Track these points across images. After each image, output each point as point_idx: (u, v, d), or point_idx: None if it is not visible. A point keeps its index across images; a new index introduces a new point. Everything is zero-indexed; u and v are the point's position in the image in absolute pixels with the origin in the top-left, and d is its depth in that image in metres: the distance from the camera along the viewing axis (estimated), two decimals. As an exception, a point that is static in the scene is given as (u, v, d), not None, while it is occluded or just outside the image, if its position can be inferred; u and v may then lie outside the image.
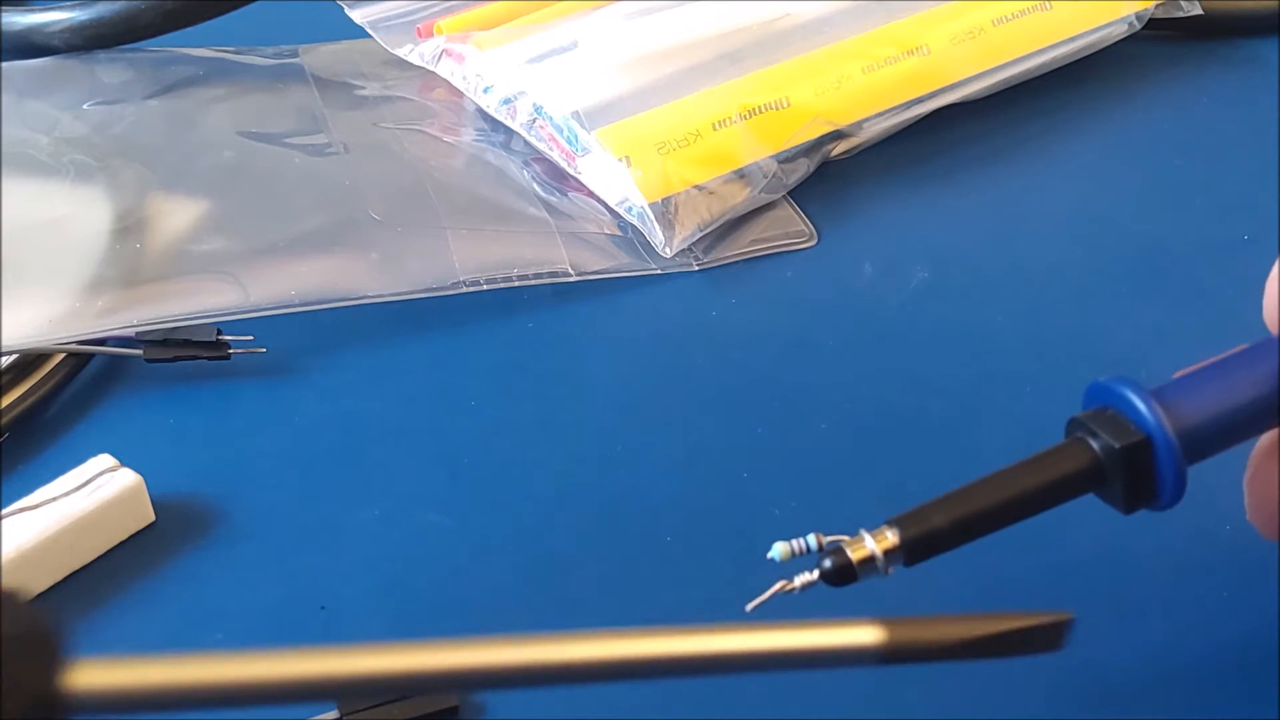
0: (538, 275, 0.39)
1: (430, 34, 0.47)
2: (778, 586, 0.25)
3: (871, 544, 0.25)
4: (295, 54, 0.49)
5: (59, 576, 0.31)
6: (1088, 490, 0.26)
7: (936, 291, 0.40)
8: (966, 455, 0.34)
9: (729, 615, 0.30)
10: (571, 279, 0.40)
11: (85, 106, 0.45)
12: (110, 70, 0.47)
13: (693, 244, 0.41)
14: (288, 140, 0.44)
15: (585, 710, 0.28)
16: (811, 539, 0.25)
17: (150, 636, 0.30)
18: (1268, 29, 0.53)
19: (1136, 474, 0.26)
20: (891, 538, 0.25)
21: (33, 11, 0.48)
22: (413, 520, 0.32)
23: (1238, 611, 0.31)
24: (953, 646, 0.21)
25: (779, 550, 0.26)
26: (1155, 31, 0.51)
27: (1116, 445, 0.25)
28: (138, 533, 0.32)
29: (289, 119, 0.45)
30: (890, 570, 0.25)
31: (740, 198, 0.42)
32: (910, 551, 0.25)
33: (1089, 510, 0.33)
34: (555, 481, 0.34)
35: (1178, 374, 0.27)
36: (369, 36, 0.48)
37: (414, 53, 0.47)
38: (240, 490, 0.33)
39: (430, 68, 0.47)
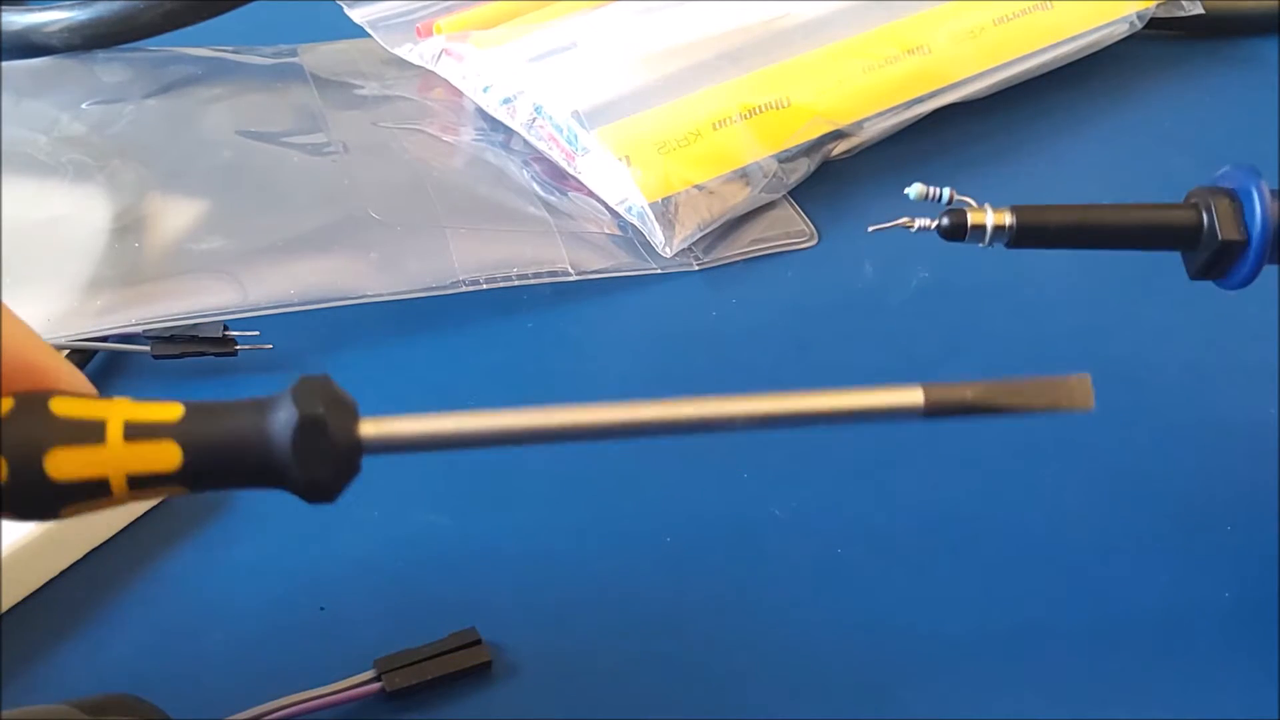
0: (537, 275, 0.39)
1: (429, 33, 0.47)
2: (902, 221, 0.28)
3: (990, 215, 0.28)
4: (294, 53, 0.49)
5: (80, 554, 0.31)
6: (1181, 246, 0.29)
7: (936, 291, 0.40)
8: (966, 454, 0.34)
9: (729, 614, 0.30)
10: (571, 278, 0.39)
11: (84, 106, 0.45)
12: (109, 70, 0.47)
13: (693, 244, 0.41)
14: (287, 140, 0.44)
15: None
16: (946, 191, 0.28)
17: (149, 634, 0.30)
18: (1268, 28, 0.53)
19: (1226, 249, 0.28)
20: (1008, 218, 0.27)
21: (32, 11, 0.47)
22: (413, 520, 0.32)
23: (1239, 610, 0.31)
24: (985, 400, 0.24)
25: (915, 190, 0.28)
26: (1156, 31, 0.51)
27: (1217, 213, 0.28)
28: (142, 518, 0.32)
29: (288, 118, 0.45)
30: (993, 243, 0.28)
31: (740, 197, 0.42)
32: (1019, 233, 0.28)
33: (1089, 510, 0.33)
34: (555, 481, 0.34)
35: None
36: (368, 36, 0.48)
37: (413, 52, 0.47)
38: (238, 492, 0.33)
39: (430, 67, 0.47)
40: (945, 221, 0.28)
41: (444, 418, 0.22)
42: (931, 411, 0.24)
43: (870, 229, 0.29)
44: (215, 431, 0.21)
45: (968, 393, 0.24)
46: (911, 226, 0.28)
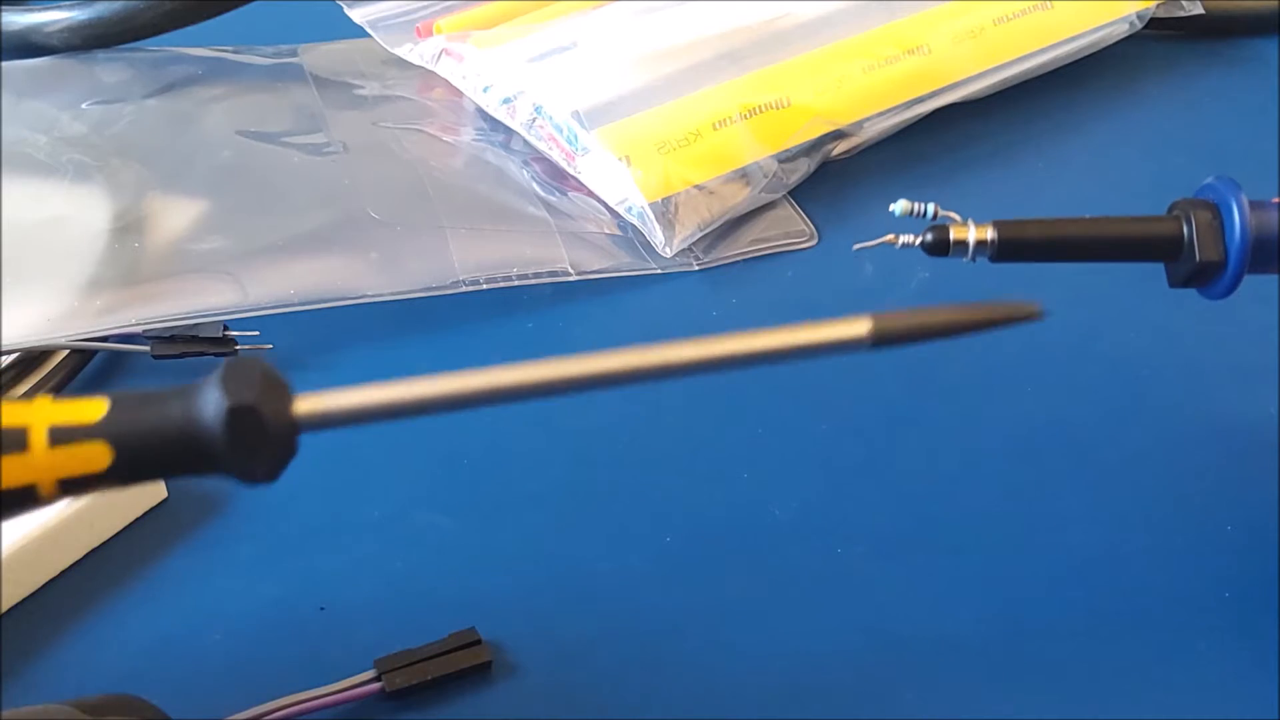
0: (537, 275, 0.39)
1: (429, 33, 0.47)
2: (887, 238, 0.29)
3: (972, 231, 0.28)
4: (294, 53, 0.49)
5: (80, 554, 0.31)
6: (1163, 258, 0.29)
7: (936, 291, 0.40)
8: (966, 455, 0.34)
9: (729, 614, 0.30)
10: (571, 278, 0.39)
11: (84, 106, 0.45)
12: (109, 70, 0.47)
13: (693, 244, 0.41)
14: (287, 140, 0.44)
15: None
16: (931, 207, 0.29)
17: (149, 634, 0.30)
18: (1268, 28, 0.53)
19: (1205, 265, 0.28)
20: (990, 233, 0.28)
21: (32, 11, 0.48)
22: (413, 520, 0.32)
23: (1239, 610, 0.31)
24: (932, 322, 0.24)
25: (900, 206, 0.29)
26: (1156, 31, 0.51)
27: (1196, 227, 0.28)
28: (142, 517, 0.32)
29: (288, 118, 0.45)
30: (975, 259, 0.28)
31: (740, 198, 0.42)
32: (1001, 248, 0.28)
33: (1089, 511, 0.33)
34: (555, 482, 0.34)
35: (1277, 198, 0.29)
36: (368, 36, 0.48)
37: (413, 52, 0.47)
38: (239, 489, 0.33)
39: (430, 67, 0.47)
40: (929, 237, 0.29)
41: (386, 386, 0.21)
42: (880, 340, 0.23)
43: (855, 247, 0.30)
44: (144, 427, 0.21)
45: (914, 319, 0.23)
46: (896, 243, 0.29)
